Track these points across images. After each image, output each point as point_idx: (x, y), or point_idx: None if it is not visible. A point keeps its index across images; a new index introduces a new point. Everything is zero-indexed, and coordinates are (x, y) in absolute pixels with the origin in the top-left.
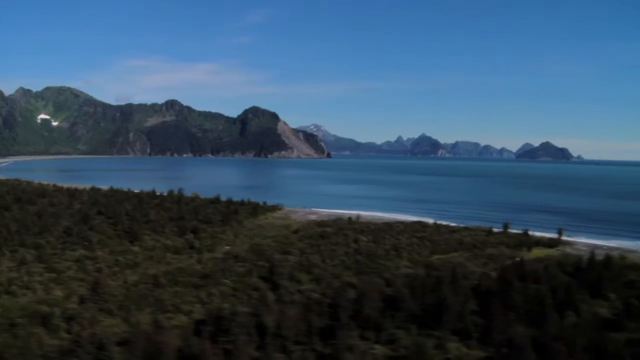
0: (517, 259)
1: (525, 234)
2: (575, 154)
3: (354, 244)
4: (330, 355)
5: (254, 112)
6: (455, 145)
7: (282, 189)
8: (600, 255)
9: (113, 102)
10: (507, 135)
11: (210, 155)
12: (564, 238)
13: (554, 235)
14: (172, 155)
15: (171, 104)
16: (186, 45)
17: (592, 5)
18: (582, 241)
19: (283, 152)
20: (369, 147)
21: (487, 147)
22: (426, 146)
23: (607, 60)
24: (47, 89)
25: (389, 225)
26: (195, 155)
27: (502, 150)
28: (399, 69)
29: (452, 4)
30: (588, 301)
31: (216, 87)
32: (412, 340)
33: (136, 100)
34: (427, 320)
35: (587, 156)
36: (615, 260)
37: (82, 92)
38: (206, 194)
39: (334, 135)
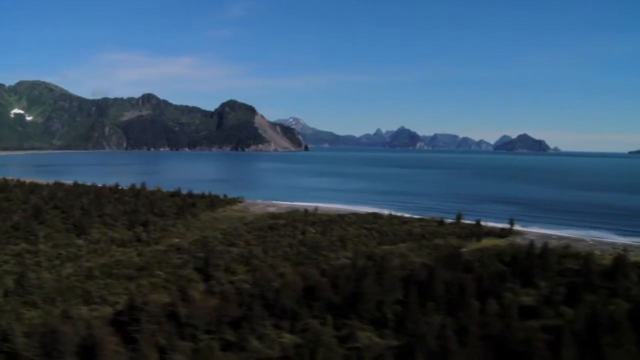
0: (462, 249)
1: (478, 224)
2: (552, 146)
3: (302, 235)
4: (235, 343)
5: (230, 106)
6: (434, 137)
7: (253, 182)
8: (548, 245)
9: (91, 97)
10: (486, 127)
11: (187, 149)
12: (516, 228)
13: (507, 226)
14: (148, 149)
15: (147, 98)
16: (166, 39)
17: None
18: (535, 231)
19: (260, 146)
20: (348, 140)
21: (465, 139)
22: (405, 139)
23: (585, 52)
24: (21, 83)
25: (342, 217)
26: (172, 150)
27: (481, 142)
28: (378, 62)
29: None
30: (516, 290)
31: (196, 81)
32: (312, 329)
33: (115, 94)
34: (345, 309)
35: (564, 148)
36: (556, 249)
37: (57, 87)
38: (174, 187)
39: (312, 129)
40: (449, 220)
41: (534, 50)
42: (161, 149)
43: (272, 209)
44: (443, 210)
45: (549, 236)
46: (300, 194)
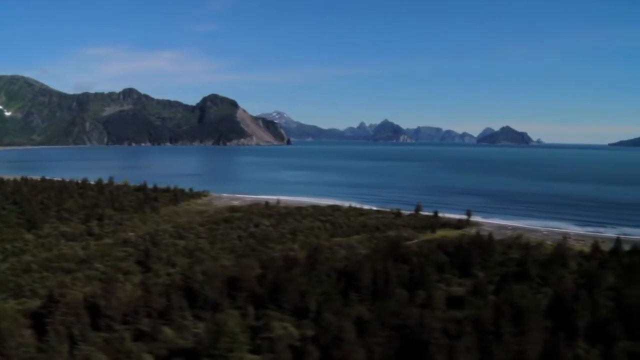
0: (413, 240)
1: (435, 215)
2: (535, 138)
3: (254, 228)
4: (148, 333)
5: (212, 100)
6: (418, 130)
7: (227, 176)
8: (500, 235)
9: (72, 92)
10: (469, 120)
11: (168, 144)
12: (475, 219)
13: (465, 217)
14: (129, 144)
15: (129, 93)
16: (149, 33)
17: None
18: (493, 222)
19: (242, 140)
20: (332, 134)
21: (449, 132)
22: (388, 132)
23: (566, 45)
24: None
25: (300, 210)
26: (153, 144)
27: (464, 135)
28: (362, 56)
29: None
30: (452, 280)
31: (179, 75)
32: (214, 319)
33: (97, 89)
34: (268, 300)
35: (547, 140)
36: (506, 240)
37: (36, 82)
38: (146, 182)
39: (297, 122)
40: (408, 212)
41: (516, 43)
42: (142, 144)
43: (236, 202)
44: (409, 203)
45: (506, 227)
46: (270, 187)
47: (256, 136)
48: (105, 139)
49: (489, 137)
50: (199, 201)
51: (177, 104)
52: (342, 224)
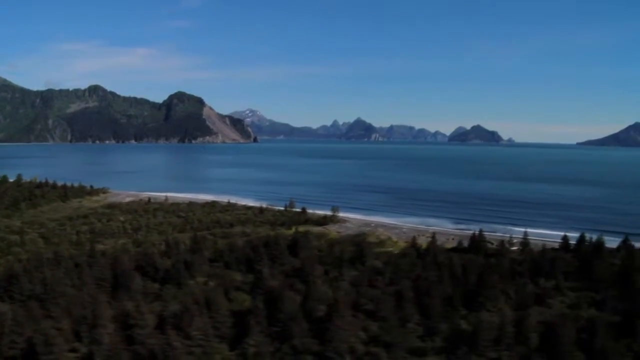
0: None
1: (303, 212)
2: (506, 137)
3: (106, 223)
4: None
5: (179, 98)
6: (391, 129)
7: (161, 173)
8: (357, 231)
9: (42, 88)
10: (442, 118)
11: (133, 141)
12: (343, 215)
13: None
14: (94, 142)
15: (94, 90)
16: (124, 29)
17: None
18: (360, 218)
19: (208, 138)
20: (305, 132)
21: (421, 131)
22: (361, 130)
23: (537, 45)
24: None
25: (173, 205)
26: (118, 142)
27: (436, 133)
28: (336, 54)
29: None
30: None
31: (153, 72)
32: None
33: (68, 85)
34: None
35: (518, 139)
36: (343, 238)
37: None
38: (72, 179)
39: (269, 120)
40: (277, 208)
41: (488, 43)
42: (107, 142)
43: (129, 199)
44: (310, 200)
45: (369, 223)
46: (187, 184)
47: (222, 134)
48: (69, 137)
49: (460, 136)
50: (94, 198)
51: (144, 102)
52: (196, 220)
